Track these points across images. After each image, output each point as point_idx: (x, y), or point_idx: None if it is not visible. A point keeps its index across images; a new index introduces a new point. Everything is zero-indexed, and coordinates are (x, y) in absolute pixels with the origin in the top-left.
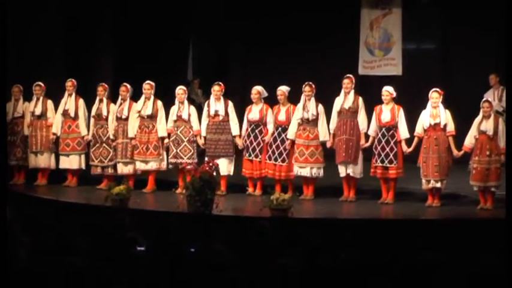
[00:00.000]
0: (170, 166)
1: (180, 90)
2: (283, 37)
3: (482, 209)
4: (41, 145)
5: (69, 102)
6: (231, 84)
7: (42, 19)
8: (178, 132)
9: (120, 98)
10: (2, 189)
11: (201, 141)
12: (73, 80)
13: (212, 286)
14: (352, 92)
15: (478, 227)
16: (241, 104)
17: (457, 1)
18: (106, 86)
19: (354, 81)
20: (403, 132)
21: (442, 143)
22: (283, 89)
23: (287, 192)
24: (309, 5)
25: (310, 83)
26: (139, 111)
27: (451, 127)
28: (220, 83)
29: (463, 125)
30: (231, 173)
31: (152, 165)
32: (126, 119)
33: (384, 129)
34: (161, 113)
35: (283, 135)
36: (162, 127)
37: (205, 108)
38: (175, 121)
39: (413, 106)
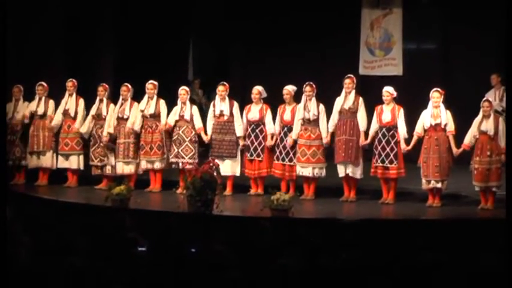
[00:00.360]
0: (174, 166)
1: (183, 91)
2: (284, 37)
3: (483, 209)
4: (43, 145)
5: (70, 102)
6: (231, 84)
7: (42, 19)
8: (180, 132)
9: (121, 98)
10: (2, 189)
11: (205, 137)
12: (73, 80)
13: (213, 286)
14: (353, 92)
15: (479, 227)
16: (242, 104)
17: (458, 1)
18: (106, 86)
19: (355, 81)
20: (402, 132)
21: (443, 143)
22: (289, 89)
23: (289, 192)
24: (309, 5)
25: (311, 83)
26: (142, 111)
27: (451, 127)
28: (225, 83)
29: (463, 124)
30: (237, 174)
31: (157, 165)
32: (128, 119)
33: (384, 129)
34: (164, 112)
35: (289, 135)
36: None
37: (211, 108)
38: (177, 121)
39: (413, 106)
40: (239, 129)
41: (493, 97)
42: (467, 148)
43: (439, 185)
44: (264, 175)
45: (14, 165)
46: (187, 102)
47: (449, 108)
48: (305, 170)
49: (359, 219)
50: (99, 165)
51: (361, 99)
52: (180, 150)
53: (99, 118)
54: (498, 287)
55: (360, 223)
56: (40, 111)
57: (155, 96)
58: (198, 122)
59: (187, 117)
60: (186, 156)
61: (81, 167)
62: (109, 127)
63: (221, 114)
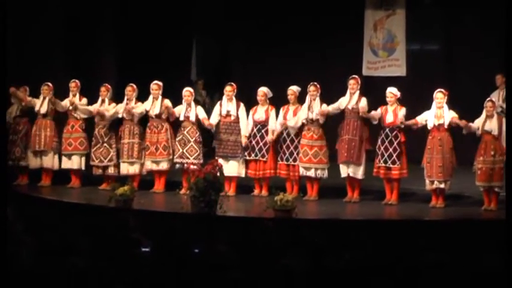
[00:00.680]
0: (178, 166)
1: (187, 92)
2: (287, 38)
3: (486, 210)
4: (44, 144)
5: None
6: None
7: (43, 19)
8: (184, 132)
9: (126, 98)
10: (3, 189)
11: (207, 122)
12: (76, 80)
13: (216, 287)
14: (358, 92)
15: (482, 228)
16: (246, 105)
17: (461, 1)
18: (109, 86)
19: (359, 82)
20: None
21: (446, 144)
22: (293, 89)
23: (292, 193)
24: (312, 6)
25: (315, 83)
26: (147, 111)
27: (453, 115)
28: (232, 83)
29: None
30: (242, 175)
31: (163, 166)
32: (132, 119)
33: (387, 130)
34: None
35: (292, 135)
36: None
37: (217, 107)
38: (182, 121)
39: (417, 107)
40: (244, 128)
41: (497, 97)
42: (472, 128)
43: (442, 186)
44: (268, 176)
45: (14, 165)
46: (192, 103)
47: (453, 109)
48: (307, 171)
49: (362, 220)
50: (100, 166)
51: (364, 100)
52: (184, 151)
53: (101, 118)
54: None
55: (364, 224)
56: (43, 110)
57: (160, 97)
58: (201, 114)
59: (192, 118)
60: (191, 156)
61: (83, 167)
62: (106, 111)
63: (228, 115)
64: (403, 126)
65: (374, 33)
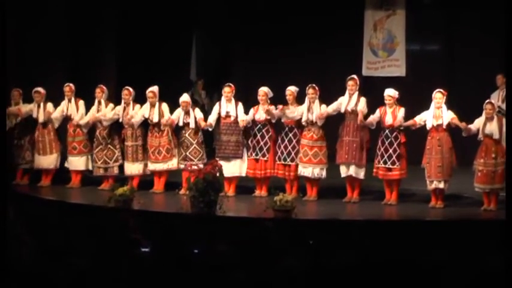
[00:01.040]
0: (181, 166)
1: (184, 103)
2: (287, 38)
3: (485, 210)
4: (50, 150)
5: (70, 107)
6: (234, 85)
7: (42, 22)
8: (186, 135)
9: (123, 102)
10: (3, 189)
11: (203, 123)
12: (70, 84)
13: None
14: (357, 93)
15: (482, 228)
16: (244, 105)
17: (461, 2)
18: (103, 87)
19: (358, 82)
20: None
21: (445, 144)
22: (291, 89)
23: (291, 193)
24: (312, 6)
25: (314, 85)
26: (146, 118)
27: (452, 115)
28: (230, 84)
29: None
30: (243, 174)
31: (164, 166)
32: (132, 123)
33: (387, 131)
34: (167, 115)
35: (290, 135)
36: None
37: (216, 107)
38: (182, 127)
39: (416, 107)
40: (241, 116)
41: (497, 98)
42: (471, 131)
43: (441, 185)
44: (269, 175)
45: (25, 168)
46: (190, 110)
47: (452, 109)
48: (306, 170)
49: (362, 220)
50: (105, 167)
51: (363, 99)
52: (188, 153)
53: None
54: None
55: (363, 224)
56: (41, 119)
57: (157, 103)
58: (198, 114)
59: (192, 125)
60: (195, 158)
61: (90, 168)
62: (103, 116)
63: (227, 115)
64: (402, 128)
65: (374, 34)
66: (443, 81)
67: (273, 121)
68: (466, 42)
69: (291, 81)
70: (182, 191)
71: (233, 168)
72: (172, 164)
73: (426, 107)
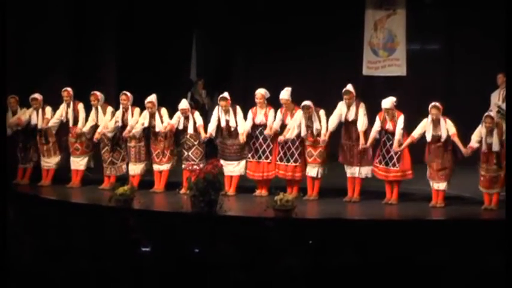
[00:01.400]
0: (183, 166)
1: (182, 110)
2: (287, 38)
3: (486, 210)
4: (54, 152)
5: (69, 111)
6: (234, 86)
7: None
8: (187, 136)
9: (121, 107)
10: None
11: (204, 135)
12: (68, 89)
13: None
14: (354, 104)
15: (482, 228)
16: (245, 105)
17: (461, 2)
18: (97, 94)
19: (354, 93)
20: (397, 138)
21: (446, 149)
22: (285, 97)
23: (292, 193)
24: (313, 6)
25: (308, 104)
26: (147, 127)
27: (452, 131)
28: (226, 96)
29: (467, 125)
30: (244, 173)
31: (167, 166)
32: (134, 135)
33: (388, 134)
34: (166, 120)
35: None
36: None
37: (215, 116)
38: (182, 130)
39: (416, 107)
40: (242, 128)
41: (498, 97)
42: (473, 149)
43: (442, 187)
44: (271, 177)
45: (30, 167)
46: (190, 116)
47: (453, 109)
48: (311, 171)
49: (362, 220)
50: (114, 167)
51: (361, 108)
52: (190, 154)
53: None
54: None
55: (364, 223)
56: (40, 124)
57: (156, 112)
58: (198, 120)
59: (190, 131)
60: (197, 159)
61: (92, 165)
62: (105, 128)
63: (227, 125)
64: (401, 148)
65: (374, 33)
66: (443, 81)
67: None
68: (466, 41)
69: (291, 80)
70: (183, 191)
71: (236, 167)
72: (166, 166)
73: (426, 107)
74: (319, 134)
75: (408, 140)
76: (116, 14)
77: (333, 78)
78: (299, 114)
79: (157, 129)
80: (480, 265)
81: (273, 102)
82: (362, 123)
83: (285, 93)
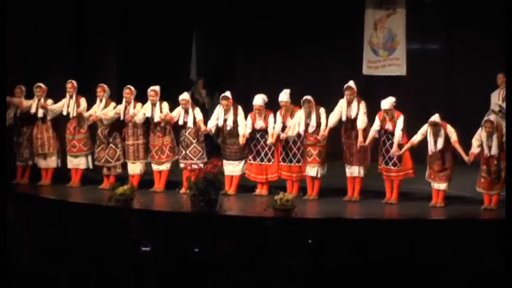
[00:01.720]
0: (181, 165)
1: (183, 101)
2: (287, 38)
3: (486, 209)
4: (48, 147)
5: (71, 103)
6: (235, 86)
7: (44, 21)
8: (186, 134)
9: (124, 100)
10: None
11: (204, 127)
12: (73, 81)
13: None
14: (355, 100)
15: (482, 227)
16: (245, 105)
17: (461, 2)
18: (105, 86)
19: (355, 89)
20: (396, 139)
21: (446, 152)
22: (284, 100)
23: (292, 192)
24: (312, 6)
25: (309, 98)
26: (148, 118)
27: (454, 138)
28: (227, 96)
29: (467, 124)
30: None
31: (167, 166)
32: (135, 121)
33: (388, 133)
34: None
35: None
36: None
37: (215, 114)
38: (182, 126)
39: (416, 106)
40: (242, 129)
41: (497, 96)
42: (475, 155)
43: (442, 187)
44: (275, 179)
45: (23, 166)
46: (190, 109)
47: (453, 109)
48: (311, 170)
49: (362, 219)
50: (107, 166)
51: (362, 105)
52: (188, 152)
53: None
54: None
55: (363, 223)
56: (40, 113)
57: (158, 102)
58: (198, 115)
59: (190, 124)
60: (195, 157)
61: (91, 166)
62: (104, 115)
63: (225, 124)
64: (401, 153)
65: (374, 33)
66: (443, 81)
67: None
68: (466, 41)
69: (291, 80)
70: (182, 190)
71: (236, 167)
72: (166, 166)
73: (426, 106)
74: (315, 131)
75: (408, 145)
76: (116, 13)
77: (332, 77)
78: (299, 113)
79: (156, 119)
80: (480, 265)
81: (273, 102)
82: (361, 121)
83: (284, 96)
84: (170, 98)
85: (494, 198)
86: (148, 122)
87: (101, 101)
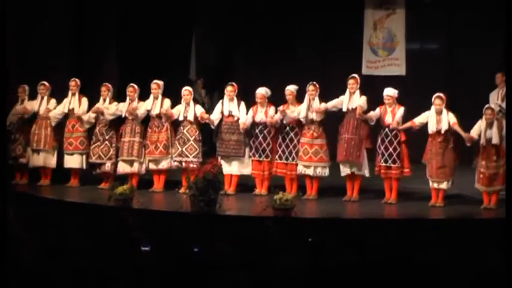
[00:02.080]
0: (175, 163)
1: (186, 92)
2: (287, 37)
3: (485, 209)
4: (44, 143)
5: (73, 101)
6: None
7: (46, 20)
8: (184, 131)
9: (128, 98)
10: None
11: (206, 115)
12: (76, 79)
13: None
14: (358, 92)
15: (482, 227)
16: (246, 103)
17: (461, 1)
18: (109, 86)
19: (359, 81)
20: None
21: (447, 144)
22: (291, 89)
23: (291, 192)
24: (312, 5)
25: (314, 82)
26: (148, 111)
27: (453, 120)
28: (233, 83)
29: (467, 124)
30: (245, 173)
31: (163, 165)
32: (135, 119)
33: (387, 130)
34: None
35: (291, 134)
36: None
37: (219, 105)
38: (181, 121)
39: (416, 106)
40: (243, 118)
41: (496, 96)
42: (474, 138)
43: (442, 186)
44: (272, 175)
45: (13, 163)
46: (191, 103)
47: (453, 109)
48: (307, 169)
49: (362, 219)
50: (98, 163)
51: (363, 98)
52: (184, 149)
53: (102, 115)
54: (501, 286)
55: (363, 223)
56: (42, 111)
57: (160, 96)
58: (199, 110)
59: (190, 118)
60: (190, 155)
61: (84, 167)
62: (106, 109)
63: (230, 115)
64: (400, 128)
65: (374, 33)
66: (443, 81)
67: (277, 126)
68: (466, 41)
69: (291, 79)
70: (182, 190)
71: (232, 167)
72: (163, 165)
73: (426, 106)
74: (313, 122)
75: (408, 124)
76: (117, 13)
77: (332, 77)
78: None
79: (155, 113)
80: (480, 265)
81: (273, 101)
82: (362, 103)
83: (291, 86)
84: (170, 97)
85: (493, 197)
86: (147, 121)
87: (104, 100)
